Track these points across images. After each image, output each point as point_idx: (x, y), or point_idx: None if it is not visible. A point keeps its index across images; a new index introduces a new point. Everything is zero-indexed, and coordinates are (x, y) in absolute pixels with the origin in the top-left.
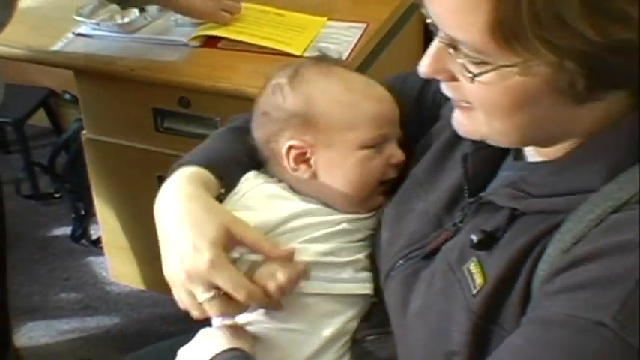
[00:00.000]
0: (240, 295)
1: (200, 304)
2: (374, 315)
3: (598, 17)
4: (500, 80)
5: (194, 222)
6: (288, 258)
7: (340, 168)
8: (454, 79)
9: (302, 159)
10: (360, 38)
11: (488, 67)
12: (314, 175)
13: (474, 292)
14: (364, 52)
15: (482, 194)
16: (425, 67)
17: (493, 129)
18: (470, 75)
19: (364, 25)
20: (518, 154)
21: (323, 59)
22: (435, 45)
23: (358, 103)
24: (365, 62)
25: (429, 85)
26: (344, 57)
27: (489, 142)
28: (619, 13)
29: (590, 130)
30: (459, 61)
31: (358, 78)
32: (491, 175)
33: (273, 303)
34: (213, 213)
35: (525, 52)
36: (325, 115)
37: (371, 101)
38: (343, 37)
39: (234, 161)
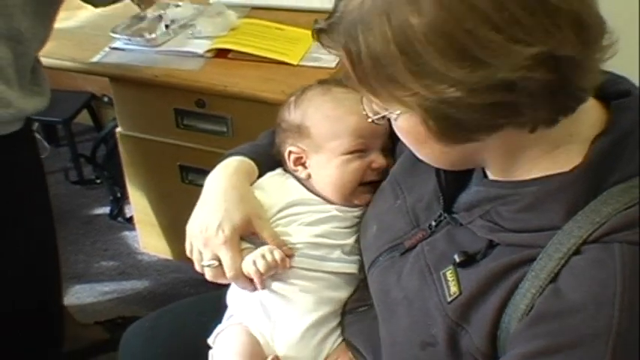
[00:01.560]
0: (229, 273)
1: (201, 264)
2: (359, 289)
3: (423, 78)
4: (395, 123)
5: (228, 206)
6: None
7: (325, 169)
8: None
9: (299, 162)
10: None
11: (384, 113)
12: (309, 176)
13: (449, 299)
14: None
15: (460, 219)
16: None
17: (422, 156)
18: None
19: None
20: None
21: (329, 81)
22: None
23: (342, 118)
24: None
25: None
26: (333, 65)
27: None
28: (437, 73)
29: (502, 154)
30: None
31: (349, 97)
32: (463, 183)
33: (250, 286)
34: (245, 202)
35: (387, 105)
36: (315, 127)
37: (354, 116)
38: None
39: (271, 155)
